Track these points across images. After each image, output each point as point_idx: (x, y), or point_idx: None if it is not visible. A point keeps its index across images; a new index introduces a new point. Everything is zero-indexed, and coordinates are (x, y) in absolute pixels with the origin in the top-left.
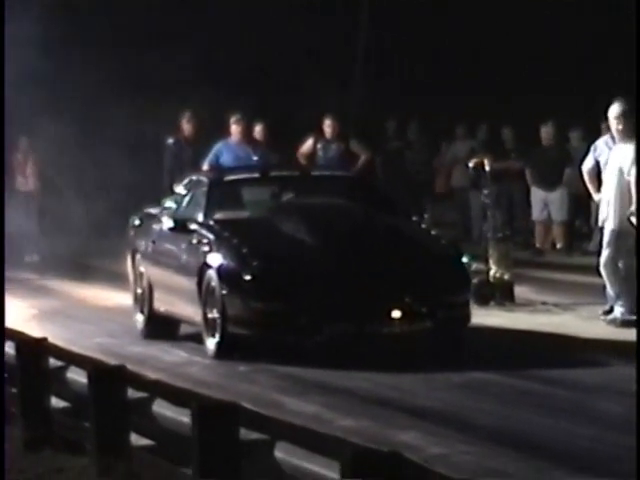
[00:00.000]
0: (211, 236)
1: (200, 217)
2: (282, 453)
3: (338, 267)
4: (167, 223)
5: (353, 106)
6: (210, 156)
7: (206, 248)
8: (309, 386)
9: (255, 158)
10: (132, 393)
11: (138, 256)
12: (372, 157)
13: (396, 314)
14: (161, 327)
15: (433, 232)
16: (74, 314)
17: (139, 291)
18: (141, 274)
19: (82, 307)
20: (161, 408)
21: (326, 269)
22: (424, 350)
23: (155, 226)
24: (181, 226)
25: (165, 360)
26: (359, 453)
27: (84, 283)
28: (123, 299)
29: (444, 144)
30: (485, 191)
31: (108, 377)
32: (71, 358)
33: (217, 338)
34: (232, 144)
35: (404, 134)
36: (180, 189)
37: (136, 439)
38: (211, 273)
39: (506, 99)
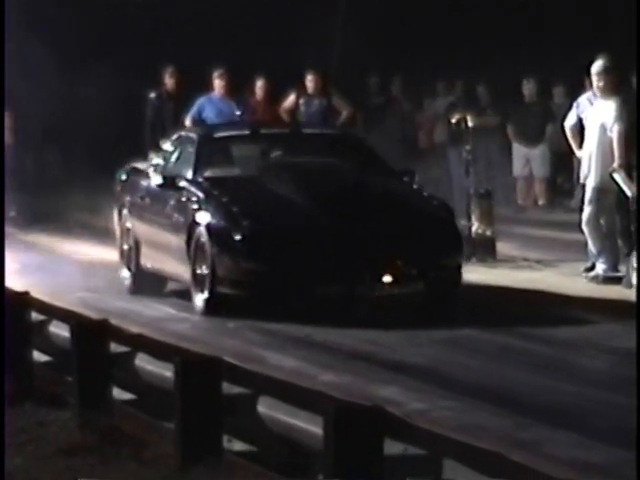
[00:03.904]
0: (200, 194)
1: (189, 174)
2: (265, 408)
3: (329, 228)
4: (156, 180)
5: (335, 61)
6: (193, 110)
7: (195, 206)
8: (292, 341)
9: (238, 113)
10: (115, 347)
11: (125, 212)
12: (354, 113)
13: (387, 279)
14: (148, 284)
15: (425, 193)
16: (56, 269)
17: (125, 247)
18: (128, 230)
19: (64, 262)
20: (144, 362)
21: (317, 230)
22: (411, 309)
23: (143, 182)
24: (170, 183)
25: (148, 315)
26: (342, 408)
27: (66, 238)
28: (106, 254)
29: (426, 100)
30: (467, 147)
31: (91, 331)
32: (53, 312)
33: (206, 294)
34: (215, 98)
35: (387, 90)
36: (167, 145)
37: (118, 393)
38: (201, 230)
39: (487, 54)
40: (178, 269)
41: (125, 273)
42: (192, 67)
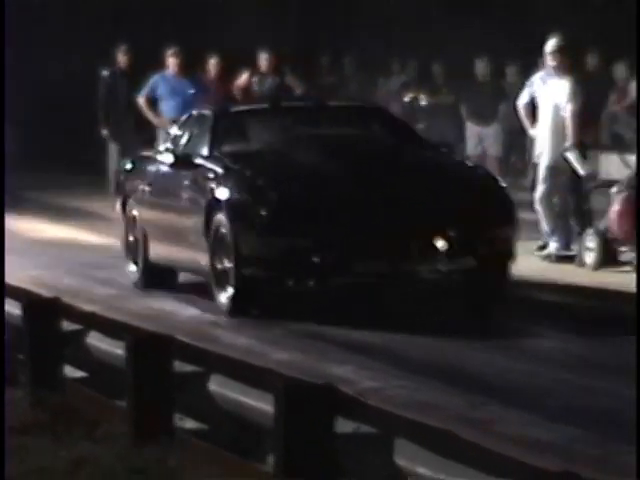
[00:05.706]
0: (219, 169)
1: (205, 151)
2: (216, 386)
3: (366, 198)
4: (167, 159)
5: (288, 40)
6: (146, 88)
7: (213, 184)
8: (243, 320)
9: (192, 91)
10: (66, 325)
11: (130, 201)
12: (307, 91)
13: (438, 246)
14: (158, 277)
15: (469, 163)
16: (7, 246)
17: (131, 239)
18: (134, 218)
19: (16, 239)
20: (95, 340)
21: (353, 201)
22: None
23: (151, 167)
24: (183, 161)
25: (99, 293)
26: (293, 385)
27: (18, 215)
28: (60, 232)
29: (380, 79)
30: (420, 125)
31: (42, 309)
32: (5, 290)
33: (230, 290)
34: (169, 76)
35: (340, 69)
36: (174, 130)
37: (70, 371)
38: (222, 207)
39: (441, 33)
40: (195, 257)
41: (132, 268)
42: (146, 45)
